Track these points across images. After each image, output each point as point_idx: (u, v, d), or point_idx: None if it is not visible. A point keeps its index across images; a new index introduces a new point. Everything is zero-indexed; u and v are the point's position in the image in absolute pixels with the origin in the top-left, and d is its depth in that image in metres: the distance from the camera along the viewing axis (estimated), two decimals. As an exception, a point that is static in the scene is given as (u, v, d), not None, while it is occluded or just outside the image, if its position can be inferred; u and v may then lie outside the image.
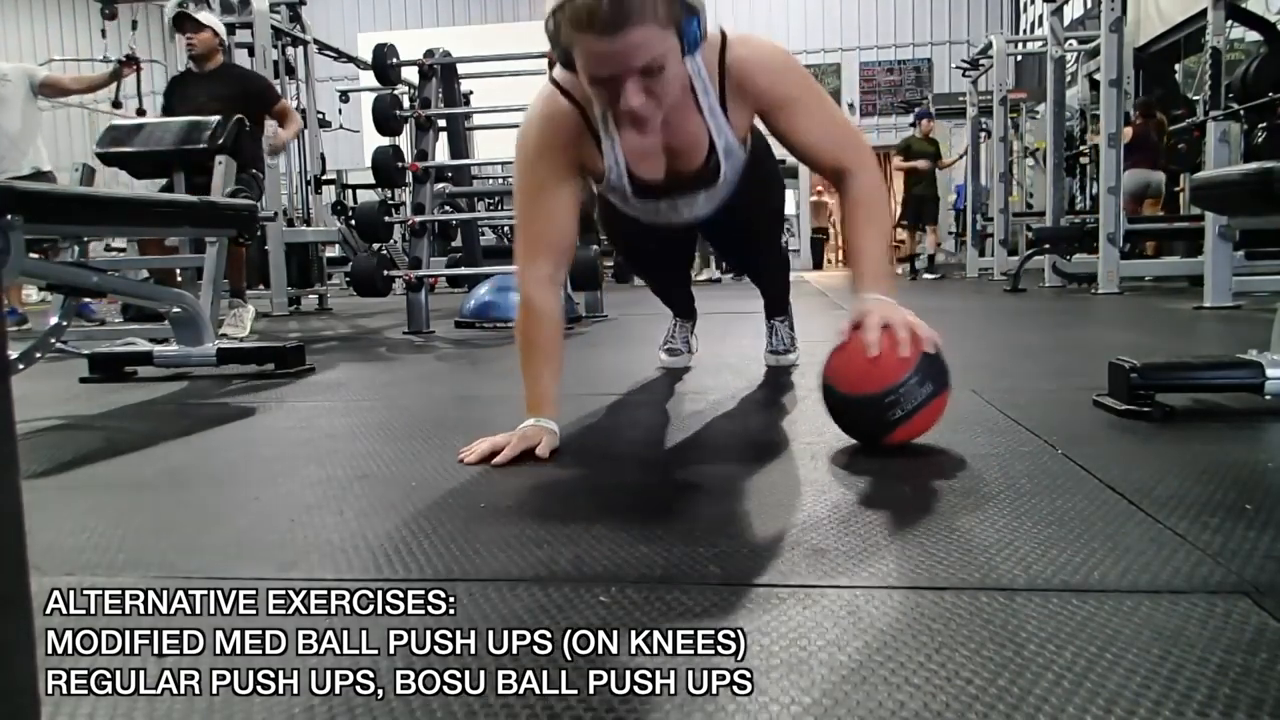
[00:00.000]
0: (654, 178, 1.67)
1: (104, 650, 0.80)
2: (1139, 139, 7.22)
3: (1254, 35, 5.32)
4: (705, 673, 0.72)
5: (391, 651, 0.78)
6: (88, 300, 4.58)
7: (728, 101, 1.57)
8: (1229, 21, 4.61)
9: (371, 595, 0.92)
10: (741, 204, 1.85)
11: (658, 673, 0.72)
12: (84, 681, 0.74)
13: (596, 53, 1.31)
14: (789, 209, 14.04)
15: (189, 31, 4.43)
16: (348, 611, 0.87)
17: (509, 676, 0.72)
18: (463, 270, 5.44)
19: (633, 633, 0.80)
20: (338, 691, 0.71)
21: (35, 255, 2.44)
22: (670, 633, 0.79)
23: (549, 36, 1.34)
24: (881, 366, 1.39)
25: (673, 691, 0.69)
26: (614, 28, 1.26)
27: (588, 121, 1.55)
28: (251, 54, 6.06)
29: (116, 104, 5.21)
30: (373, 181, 5.64)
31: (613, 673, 0.72)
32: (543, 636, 0.79)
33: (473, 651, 0.77)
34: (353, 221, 5.84)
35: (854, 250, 1.55)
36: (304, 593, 0.93)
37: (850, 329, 1.44)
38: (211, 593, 0.95)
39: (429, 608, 0.87)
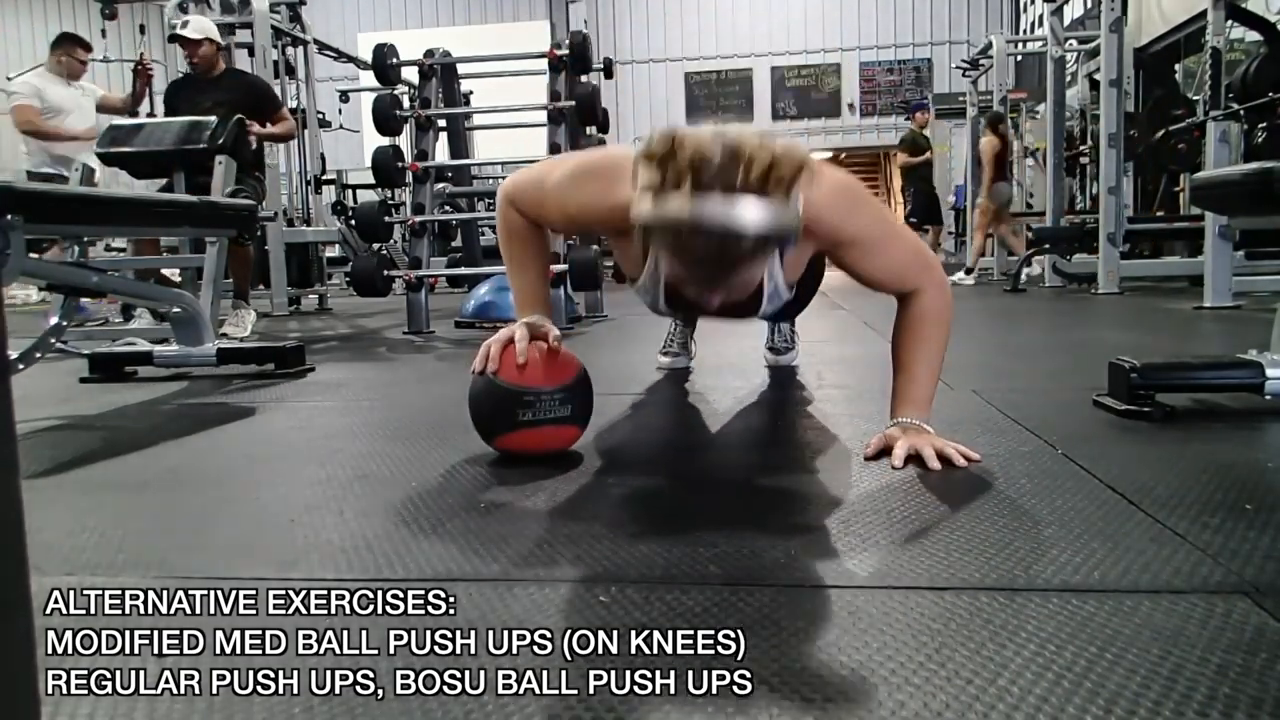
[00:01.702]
0: (691, 298, 1.51)
1: (104, 650, 0.80)
2: (1000, 153, 7.76)
3: (1254, 35, 5.32)
4: (705, 673, 0.72)
5: (391, 651, 0.78)
6: (84, 302, 4.58)
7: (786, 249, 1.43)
8: (1229, 21, 4.61)
9: (371, 595, 0.92)
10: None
11: (658, 673, 0.72)
12: (84, 681, 0.74)
13: (692, 276, 1.22)
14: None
15: (187, 49, 4.44)
16: (348, 611, 0.87)
17: (509, 676, 0.72)
18: (463, 270, 5.44)
19: (633, 633, 0.80)
20: (338, 691, 0.71)
21: (35, 255, 2.44)
22: (670, 633, 0.79)
23: (635, 221, 1.14)
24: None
25: (673, 691, 0.69)
26: (719, 273, 1.18)
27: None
28: (251, 54, 6.06)
29: (134, 112, 5.24)
30: (373, 181, 5.63)
31: (613, 673, 0.72)
32: (543, 636, 0.79)
33: (473, 651, 0.77)
34: (353, 221, 5.83)
35: (901, 368, 1.48)
36: (304, 593, 0.93)
37: (874, 453, 1.41)
38: (211, 593, 0.95)
39: (429, 608, 0.87)
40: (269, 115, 4.48)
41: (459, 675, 0.73)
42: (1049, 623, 0.79)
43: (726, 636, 0.78)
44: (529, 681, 0.71)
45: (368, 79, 5.64)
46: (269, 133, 4.45)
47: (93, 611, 0.88)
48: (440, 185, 5.08)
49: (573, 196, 1.46)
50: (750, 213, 1.08)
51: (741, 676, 0.71)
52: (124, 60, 11.20)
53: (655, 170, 1.10)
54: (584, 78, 4.70)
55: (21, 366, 2.18)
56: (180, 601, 0.91)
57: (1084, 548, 0.98)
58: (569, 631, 0.80)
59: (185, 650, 0.79)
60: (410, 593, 0.91)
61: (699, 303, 1.31)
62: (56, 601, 0.87)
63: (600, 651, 0.76)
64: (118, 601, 0.90)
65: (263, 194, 4.51)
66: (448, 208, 5.80)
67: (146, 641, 0.81)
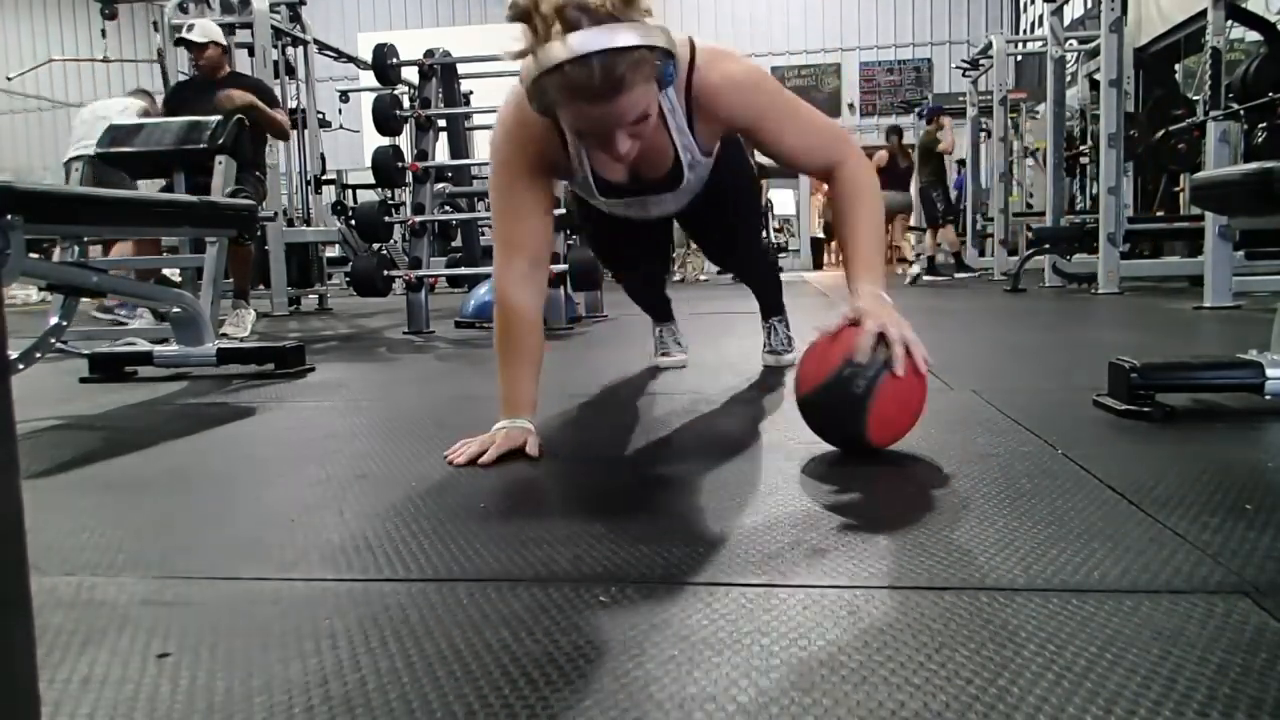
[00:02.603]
0: (617, 179, 1.69)
1: (104, 650, 0.80)
2: (889, 164, 8.59)
3: (1254, 35, 5.32)
4: (705, 673, 0.72)
5: (391, 651, 0.78)
6: (118, 307, 4.53)
7: (695, 121, 1.58)
8: (1229, 21, 4.61)
9: (371, 595, 0.92)
10: (712, 198, 1.87)
11: (658, 672, 0.72)
12: (84, 681, 0.74)
13: (587, 115, 1.32)
14: (789, 209, 14.09)
15: (194, 53, 4.45)
16: (347, 611, 0.87)
17: (509, 676, 0.72)
18: (463, 270, 5.44)
19: (633, 633, 0.80)
20: (338, 691, 0.71)
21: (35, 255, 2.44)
22: (671, 633, 0.80)
23: (527, 88, 1.31)
24: (839, 344, 1.39)
25: (672, 691, 0.69)
26: (606, 95, 1.27)
27: (556, 124, 1.53)
28: (251, 54, 6.06)
29: (146, 112, 5.26)
30: (373, 181, 5.63)
31: (613, 673, 0.72)
32: (543, 636, 0.80)
33: (473, 651, 0.77)
34: (353, 221, 5.83)
35: (845, 239, 1.54)
36: (304, 593, 0.93)
37: (840, 326, 1.43)
38: (211, 593, 0.95)
39: (429, 608, 0.87)
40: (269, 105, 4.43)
41: (459, 675, 0.73)
42: (1049, 623, 0.79)
43: (726, 636, 0.78)
44: (529, 681, 0.71)
45: (368, 79, 5.64)
46: (255, 103, 4.25)
47: (93, 611, 0.88)
48: (440, 185, 5.08)
49: (508, 148, 1.57)
50: (620, 32, 1.22)
51: (741, 676, 0.71)
52: (124, 60, 11.23)
53: (527, 31, 1.26)
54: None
55: (21, 366, 2.18)
56: (180, 601, 0.91)
57: (1084, 548, 0.98)
58: (569, 631, 0.80)
59: (185, 650, 0.79)
60: (410, 593, 0.91)
61: (613, 151, 1.37)
62: (57, 601, 0.87)
63: (600, 651, 0.76)
64: (118, 601, 0.91)
65: (263, 194, 4.51)
66: (448, 208, 5.80)
67: (146, 641, 0.81)
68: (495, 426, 1.52)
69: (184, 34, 4.51)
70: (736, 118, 1.56)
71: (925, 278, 8.51)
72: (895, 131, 9.44)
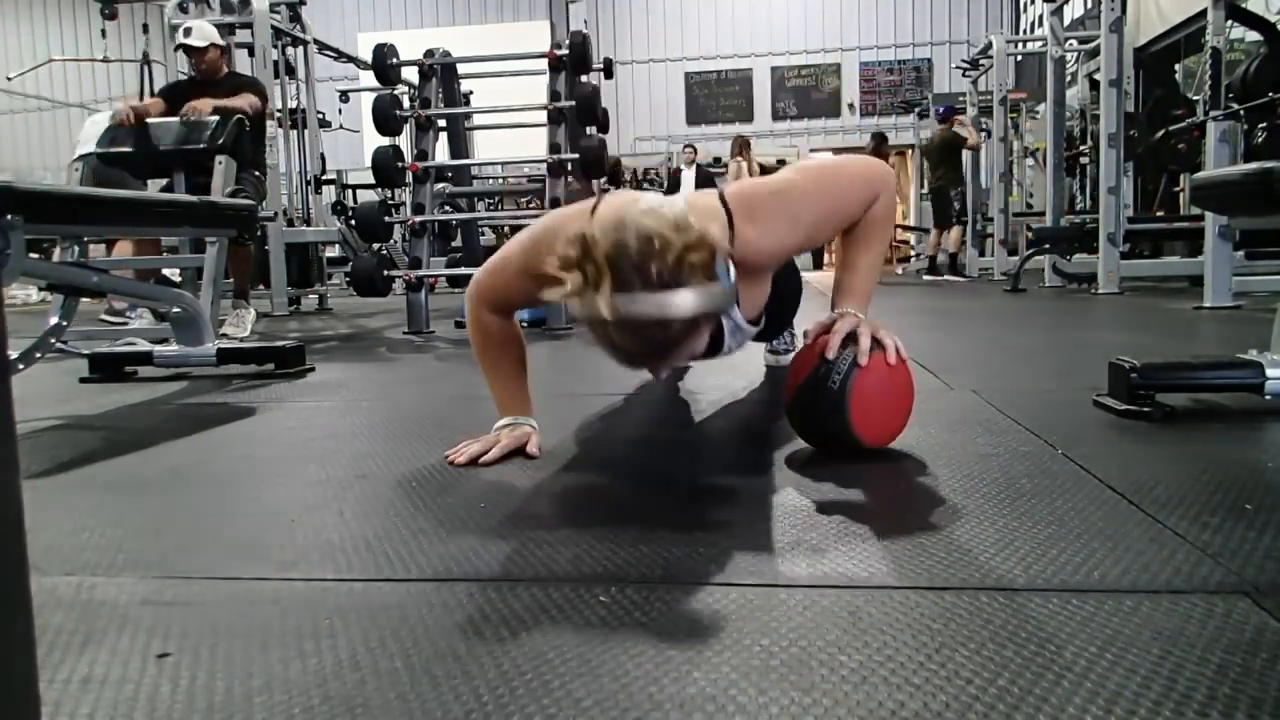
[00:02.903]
0: None
1: (104, 650, 0.80)
2: None
3: (1254, 35, 5.32)
4: (705, 673, 0.72)
5: (391, 651, 0.78)
6: (124, 309, 4.53)
7: (738, 287, 1.42)
8: (1229, 21, 4.61)
9: (371, 595, 0.92)
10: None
11: (658, 673, 0.72)
12: (84, 681, 0.74)
13: (636, 363, 1.25)
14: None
15: (194, 57, 4.44)
16: (347, 611, 0.87)
17: (509, 676, 0.72)
18: (463, 270, 5.42)
19: (633, 633, 0.80)
20: (338, 691, 0.71)
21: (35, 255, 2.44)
22: (670, 633, 0.80)
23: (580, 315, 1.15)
24: (812, 350, 1.42)
25: (672, 691, 0.69)
26: (654, 359, 1.21)
27: None
28: (251, 54, 6.06)
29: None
30: (373, 181, 5.63)
31: (613, 673, 0.72)
32: (543, 636, 0.80)
33: (473, 651, 0.77)
34: (353, 221, 5.83)
35: (847, 265, 1.54)
36: (304, 593, 0.93)
37: (816, 335, 1.45)
38: (211, 593, 0.95)
39: (429, 608, 0.87)
40: (239, 94, 4.34)
41: (459, 675, 0.73)
42: (1049, 623, 0.79)
43: (726, 636, 0.78)
44: (529, 681, 0.71)
45: (368, 79, 5.63)
46: (218, 105, 4.09)
47: (93, 611, 0.88)
48: (440, 185, 5.08)
49: (535, 262, 1.38)
50: (671, 303, 1.08)
51: (742, 676, 0.71)
52: (124, 60, 11.22)
53: (576, 273, 1.10)
54: (584, 78, 4.70)
55: (21, 366, 2.18)
56: (180, 601, 0.91)
57: (1084, 548, 0.98)
58: (569, 631, 0.80)
59: (185, 650, 0.79)
60: (410, 593, 0.91)
61: (656, 374, 1.33)
62: (57, 601, 0.87)
63: (600, 651, 0.76)
64: (118, 601, 0.91)
65: (263, 194, 4.50)
66: (448, 208, 5.79)
67: (146, 641, 0.81)
68: (496, 426, 1.53)
69: (183, 39, 4.50)
70: (782, 256, 1.50)
71: (926, 276, 8.51)
72: (880, 138, 9.57)
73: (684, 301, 1.08)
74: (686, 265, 1.09)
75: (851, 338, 1.40)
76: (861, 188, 1.52)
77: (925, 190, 9.31)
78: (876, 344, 1.40)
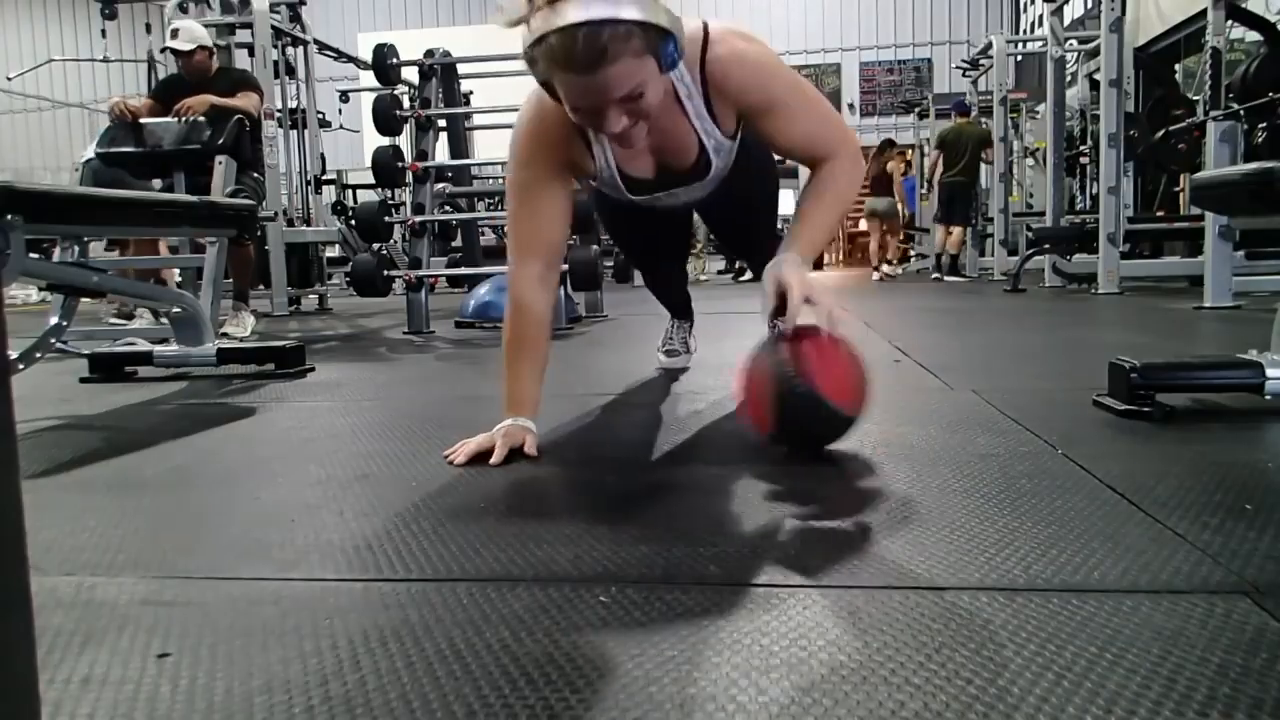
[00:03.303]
0: (645, 176, 1.69)
1: (104, 650, 0.80)
2: (878, 174, 9.31)
3: (1254, 35, 5.32)
4: (705, 673, 0.72)
5: (391, 651, 0.78)
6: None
7: (713, 102, 1.55)
8: (1229, 21, 4.61)
9: (371, 595, 0.92)
10: (735, 186, 1.86)
11: (658, 673, 0.72)
12: (84, 681, 0.74)
13: (575, 87, 1.31)
14: (788, 209, 14.08)
15: (181, 60, 4.41)
16: (347, 611, 0.87)
17: (509, 676, 0.72)
18: (463, 270, 5.44)
19: (633, 633, 0.80)
20: (338, 691, 0.71)
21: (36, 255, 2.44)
22: (670, 633, 0.80)
23: (527, 63, 1.32)
24: (751, 377, 1.46)
25: (672, 691, 0.69)
26: (591, 66, 1.25)
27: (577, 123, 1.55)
28: (251, 54, 6.06)
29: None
30: (373, 181, 5.63)
31: (613, 673, 0.72)
32: (543, 636, 0.80)
33: (473, 651, 0.77)
34: (353, 221, 5.83)
35: (802, 215, 1.55)
36: (304, 593, 0.93)
37: (776, 302, 1.47)
38: (211, 593, 0.95)
39: (429, 608, 0.87)
40: (235, 94, 4.35)
41: (459, 675, 0.73)
42: (1049, 623, 0.79)
43: (727, 636, 0.78)
44: (529, 681, 0.71)
45: (368, 79, 5.64)
46: (213, 103, 4.10)
47: (93, 611, 0.88)
48: (440, 185, 5.08)
49: (528, 147, 1.57)
50: (609, 5, 1.20)
51: (741, 676, 0.71)
52: (124, 60, 11.23)
53: (524, 1, 1.25)
54: (584, 78, 4.69)
55: (21, 366, 2.18)
56: (180, 601, 0.91)
57: (1084, 548, 0.98)
58: (569, 631, 0.80)
59: (185, 650, 0.79)
60: (410, 593, 0.91)
61: (606, 128, 1.37)
62: (57, 601, 0.87)
63: (600, 651, 0.76)
64: (118, 601, 0.91)
65: (262, 194, 4.50)
66: (448, 208, 5.80)
67: (146, 641, 0.81)
68: (497, 426, 1.53)
69: (170, 43, 4.47)
70: (748, 96, 1.52)
71: (948, 278, 8.26)
72: (890, 145, 9.59)
73: (618, 7, 1.21)
74: None
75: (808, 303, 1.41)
76: (836, 118, 1.61)
77: (941, 180, 8.67)
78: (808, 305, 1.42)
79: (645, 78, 1.32)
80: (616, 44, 1.23)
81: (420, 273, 4.28)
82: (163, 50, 4.70)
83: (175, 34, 4.45)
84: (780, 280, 1.45)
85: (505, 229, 1.67)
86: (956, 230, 8.66)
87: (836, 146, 1.56)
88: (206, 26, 4.95)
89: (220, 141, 3.69)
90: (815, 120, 1.57)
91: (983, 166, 8.80)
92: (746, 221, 2.17)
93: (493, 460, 1.44)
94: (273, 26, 6.05)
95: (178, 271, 3.98)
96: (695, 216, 2.40)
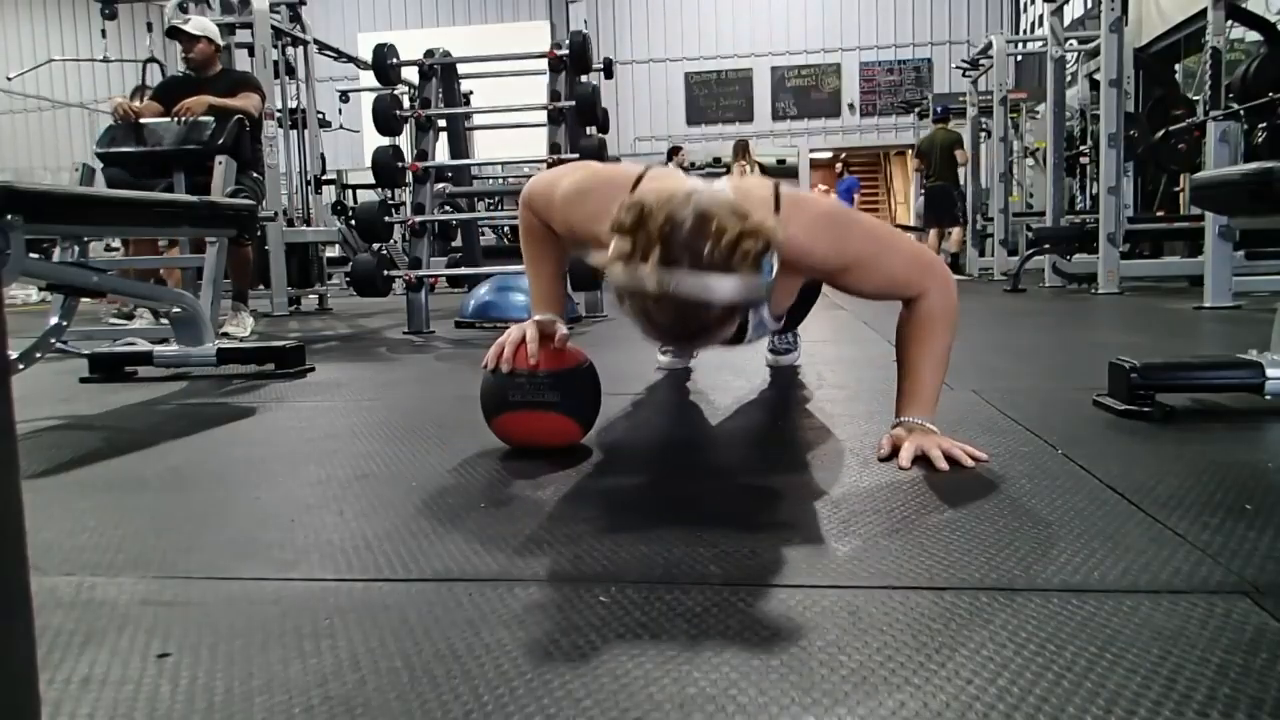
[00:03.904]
0: None
1: (104, 650, 0.80)
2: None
3: (1254, 35, 5.32)
4: (705, 673, 0.72)
5: (391, 651, 0.78)
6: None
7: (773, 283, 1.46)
8: (1229, 21, 4.61)
9: (371, 595, 0.92)
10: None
11: (658, 673, 0.72)
12: (84, 681, 0.74)
13: (658, 335, 1.23)
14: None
15: (184, 44, 4.41)
16: (347, 611, 0.87)
17: (509, 676, 0.72)
18: (463, 270, 5.44)
19: (633, 633, 0.80)
20: (338, 691, 0.71)
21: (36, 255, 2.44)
22: (670, 633, 0.80)
23: (614, 285, 1.14)
24: None
25: (672, 691, 0.69)
26: (681, 339, 1.22)
27: None
28: (251, 54, 6.06)
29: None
30: (373, 181, 5.63)
31: (613, 673, 0.72)
32: (543, 636, 0.79)
33: (473, 651, 0.77)
34: (353, 221, 5.83)
35: (906, 368, 1.49)
36: (304, 593, 0.93)
37: (886, 454, 1.41)
38: (211, 593, 0.95)
39: (429, 608, 0.87)
40: (236, 94, 4.34)
41: (459, 675, 0.73)
42: (1049, 623, 0.79)
43: (727, 636, 0.78)
44: (529, 681, 0.71)
45: (368, 79, 5.64)
46: (212, 103, 4.05)
47: (93, 611, 0.88)
48: (440, 185, 5.08)
49: (575, 210, 1.52)
50: (716, 287, 1.08)
51: (742, 676, 0.71)
52: (124, 60, 11.23)
53: (626, 239, 1.10)
54: (584, 78, 4.70)
55: (21, 366, 2.18)
56: (180, 601, 0.91)
57: (1084, 548, 0.98)
58: (569, 631, 0.80)
59: (185, 650, 0.79)
60: (410, 593, 0.91)
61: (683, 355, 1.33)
62: (57, 601, 0.87)
63: (601, 651, 0.76)
64: (118, 601, 0.91)
65: (262, 194, 4.50)
66: (448, 208, 5.79)
67: (146, 641, 0.81)
68: (526, 321, 1.55)
69: (178, 23, 4.47)
70: (821, 269, 1.46)
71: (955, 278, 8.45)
72: (742, 147, 9.03)
73: (728, 288, 1.08)
74: (739, 252, 1.08)
75: (924, 460, 1.36)
76: (914, 258, 1.49)
77: (924, 187, 9.15)
78: (952, 463, 1.35)
79: (729, 329, 1.21)
80: (714, 325, 1.15)
81: (420, 273, 4.28)
82: (168, 33, 4.67)
83: (186, 20, 4.44)
84: (910, 446, 1.39)
85: (533, 177, 1.72)
86: (955, 231, 8.89)
87: (926, 282, 1.46)
88: (206, 27, 4.95)
89: (220, 141, 3.69)
90: (899, 264, 1.47)
91: (967, 166, 9.01)
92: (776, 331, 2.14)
93: (529, 351, 1.46)
94: (273, 26, 6.05)
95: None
96: None
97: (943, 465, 1.34)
